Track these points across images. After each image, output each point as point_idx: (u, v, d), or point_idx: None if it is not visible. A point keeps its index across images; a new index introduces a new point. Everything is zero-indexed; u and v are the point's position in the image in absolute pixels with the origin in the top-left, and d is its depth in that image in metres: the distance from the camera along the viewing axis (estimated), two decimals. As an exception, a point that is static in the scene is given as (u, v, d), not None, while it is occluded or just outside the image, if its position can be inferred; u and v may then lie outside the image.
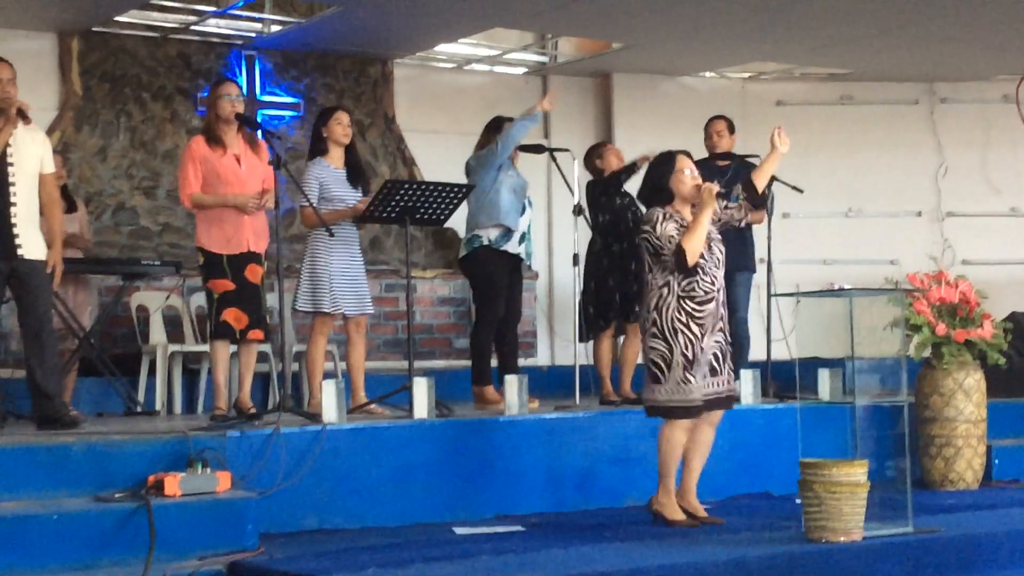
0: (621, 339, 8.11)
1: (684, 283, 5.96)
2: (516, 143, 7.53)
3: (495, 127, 7.66)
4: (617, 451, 7.07)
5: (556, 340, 10.80)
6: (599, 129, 11.33)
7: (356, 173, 7.28)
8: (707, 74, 11.67)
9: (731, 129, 8.52)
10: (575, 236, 7.84)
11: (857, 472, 5.58)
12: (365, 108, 10.45)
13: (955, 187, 11.79)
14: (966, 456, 7.65)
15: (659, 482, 6.15)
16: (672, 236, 5.94)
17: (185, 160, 6.91)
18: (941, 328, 7.55)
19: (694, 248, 5.91)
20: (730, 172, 8.30)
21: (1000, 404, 8.17)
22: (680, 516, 6.10)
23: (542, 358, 10.68)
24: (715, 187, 6.01)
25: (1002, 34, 9.98)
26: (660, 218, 6.00)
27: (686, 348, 5.93)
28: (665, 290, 5.98)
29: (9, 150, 6.35)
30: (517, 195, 7.58)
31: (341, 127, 7.22)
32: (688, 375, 5.93)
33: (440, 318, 10.17)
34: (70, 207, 8.05)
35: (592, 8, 9.20)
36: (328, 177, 7.17)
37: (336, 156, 7.25)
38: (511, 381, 7.00)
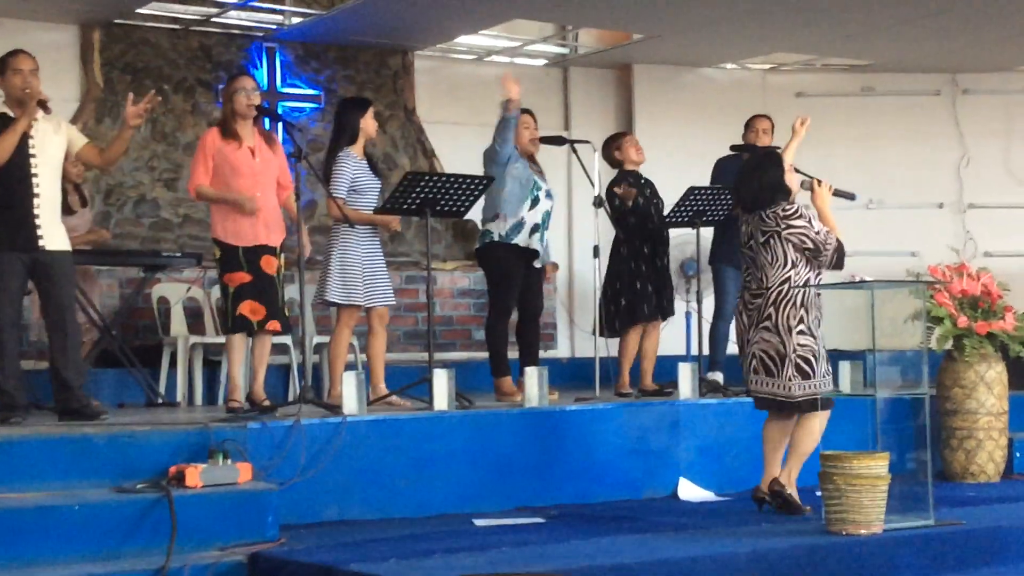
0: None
1: (816, 280, 6.09)
2: (509, 138, 7.51)
3: None
4: (637, 443, 7.07)
5: (576, 332, 10.80)
6: (620, 120, 11.31)
7: (372, 162, 7.36)
8: (728, 65, 11.64)
9: (773, 127, 8.58)
10: (596, 228, 7.83)
11: (878, 464, 5.56)
12: (385, 100, 10.46)
13: (977, 179, 11.73)
14: (987, 448, 7.63)
15: (795, 469, 6.20)
16: (829, 233, 6.08)
17: (197, 152, 6.93)
18: (963, 320, 7.53)
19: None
20: None
21: (1022, 396, 8.14)
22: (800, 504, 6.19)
23: (562, 350, 10.68)
24: (829, 184, 6.23)
25: (1025, 25, 9.93)
26: (810, 216, 6.11)
27: (824, 342, 6.09)
28: (806, 287, 6.08)
29: (32, 141, 6.37)
30: (524, 187, 7.55)
31: (375, 123, 7.35)
32: (828, 367, 6.10)
33: (460, 310, 10.18)
34: (83, 202, 8.11)
35: (612, -1, 9.20)
36: (359, 168, 7.23)
37: (360, 147, 7.31)
38: (531, 373, 7.01)
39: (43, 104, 6.39)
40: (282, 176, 7.02)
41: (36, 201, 6.35)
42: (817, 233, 6.06)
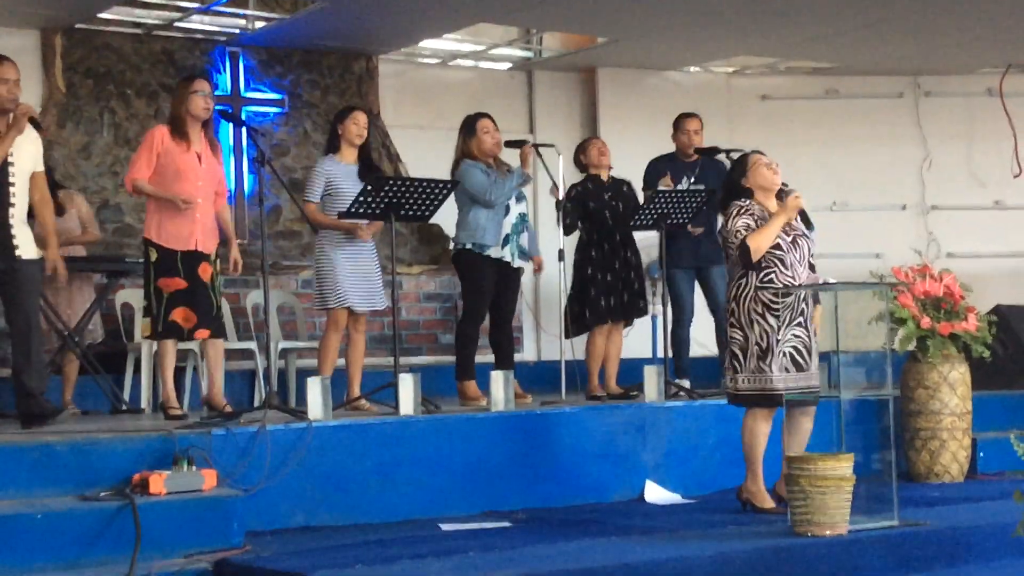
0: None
1: (762, 274, 6.09)
2: (508, 197, 7.58)
3: (469, 130, 7.67)
4: (603, 446, 7.07)
5: (543, 335, 10.80)
6: (584, 124, 11.33)
7: (367, 170, 7.33)
8: (692, 69, 11.67)
9: (702, 125, 8.59)
10: (560, 231, 7.84)
11: (843, 466, 5.59)
12: (350, 104, 10.42)
13: (939, 180, 11.81)
14: (951, 449, 7.67)
15: (747, 470, 6.24)
16: (739, 231, 6.10)
17: (143, 145, 6.80)
18: (926, 321, 7.57)
19: (758, 246, 6.05)
20: (698, 167, 8.41)
21: (985, 397, 8.20)
22: (769, 504, 6.21)
23: (528, 353, 10.68)
24: (801, 202, 6.16)
25: (986, 27, 10.00)
26: (735, 212, 6.18)
27: (761, 338, 6.07)
28: (744, 280, 6.13)
29: (10, 150, 6.34)
30: (493, 211, 7.56)
31: (356, 127, 7.36)
32: (763, 364, 6.06)
33: (426, 314, 10.17)
34: (59, 210, 8.05)
35: (577, 3, 9.20)
36: (336, 173, 7.25)
37: (348, 153, 7.36)
38: (497, 377, 7.01)
39: (35, 122, 6.36)
40: (219, 184, 6.99)
41: (11, 211, 6.36)
42: (727, 230, 6.14)
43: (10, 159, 6.34)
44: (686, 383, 7.96)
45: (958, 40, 10.41)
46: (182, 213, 6.70)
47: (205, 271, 6.80)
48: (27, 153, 6.43)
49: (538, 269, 8.00)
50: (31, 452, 5.58)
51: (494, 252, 7.57)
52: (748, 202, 6.20)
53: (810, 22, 9.78)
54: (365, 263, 7.30)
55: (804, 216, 6.31)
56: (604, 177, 8.18)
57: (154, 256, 6.74)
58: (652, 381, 7.50)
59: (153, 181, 6.72)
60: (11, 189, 6.35)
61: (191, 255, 6.74)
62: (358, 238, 7.28)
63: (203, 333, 6.81)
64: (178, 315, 6.71)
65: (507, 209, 7.62)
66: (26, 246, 6.40)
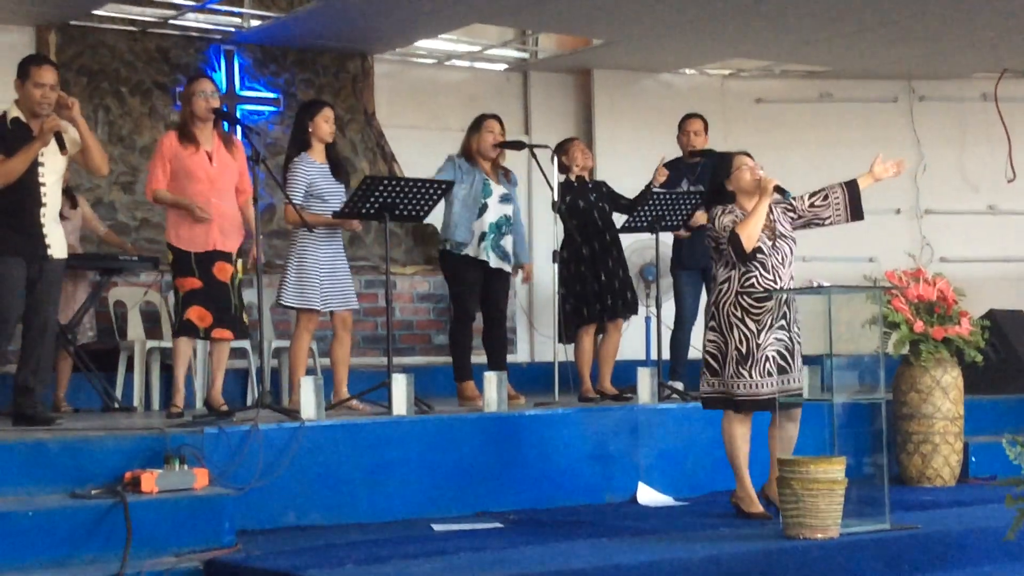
0: (600, 337, 8.13)
1: (743, 278, 6.05)
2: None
3: (475, 127, 7.70)
4: (596, 448, 7.07)
5: (536, 336, 10.81)
6: (579, 125, 11.33)
7: (337, 167, 7.30)
8: (687, 71, 11.68)
9: (706, 127, 8.58)
10: (555, 233, 7.84)
11: (835, 469, 5.59)
12: (345, 104, 10.42)
13: (934, 185, 11.82)
14: (943, 453, 7.68)
15: (734, 475, 6.25)
16: (727, 227, 6.06)
17: (155, 155, 6.89)
18: (919, 325, 7.58)
19: (748, 234, 5.97)
20: (700, 169, 8.40)
21: (977, 401, 8.21)
22: (756, 509, 6.19)
23: (522, 354, 10.68)
24: (774, 179, 6.07)
25: (981, 32, 10.02)
26: (719, 213, 6.15)
27: (740, 343, 6.02)
28: (725, 285, 6.10)
29: (41, 149, 6.34)
30: (470, 207, 7.54)
31: (328, 125, 7.26)
32: (742, 370, 6.02)
33: (420, 314, 10.16)
34: (72, 205, 8.09)
35: (573, 4, 9.21)
36: (315, 173, 7.20)
37: (319, 151, 7.28)
38: (490, 378, 7.01)
39: (60, 139, 6.34)
40: (241, 181, 6.98)
41: (43, 211, 6.39)
42: (715, 230, 6.11)
43: (40, 158, 6.36)
44: (679, 385, 7.96)
45: (953, 45, 10.43)
46: (198, 216, 6.74)
47: (223, 270, 6.81)
48: (59, 154, 6.42)
49: (526, 278, 7.96)
50: (22, 449, 5.57)
51: (471, 251, 7.55)
52: (730, 205, 6.18)
53: (805, 26, 9.80)
54: (339, 262, 7.26)
55: (779, 189, 6.25)
56: (587, 178, 8.18)
57: (171, 257, 6.82)
58: (645, 383, 7.51)
59: (169, 187, 6.78)
60: (42, 189, 6.38)
61: (206, 255, 6.76)
62: (350, 230, 7.28)
63: (225, 333, 6.82)
64: (192, 314, 6.73)
65: (484, 208, 7.58)
66: (56, 246, 6.45)
